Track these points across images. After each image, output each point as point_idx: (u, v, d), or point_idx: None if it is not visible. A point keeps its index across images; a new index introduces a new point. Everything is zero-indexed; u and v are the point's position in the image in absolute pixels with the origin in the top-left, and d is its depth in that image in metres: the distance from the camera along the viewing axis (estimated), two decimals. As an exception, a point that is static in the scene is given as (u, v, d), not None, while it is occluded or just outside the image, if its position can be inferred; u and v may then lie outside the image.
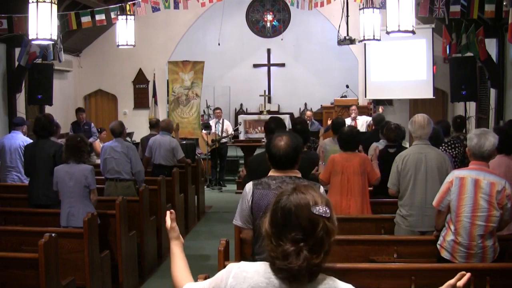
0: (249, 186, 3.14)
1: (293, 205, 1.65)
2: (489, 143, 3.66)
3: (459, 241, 3.62)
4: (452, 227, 3.67)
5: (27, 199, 5.77)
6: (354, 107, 10.40)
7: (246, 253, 3.89)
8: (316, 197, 1.67)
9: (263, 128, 11.86)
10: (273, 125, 4.82)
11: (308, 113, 10.92)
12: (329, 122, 10.11)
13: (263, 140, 11.37)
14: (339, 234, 3.66)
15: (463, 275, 1.90)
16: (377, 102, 12.36)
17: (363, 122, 10.19)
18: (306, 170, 4.70)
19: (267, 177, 3.12)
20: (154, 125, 8.28)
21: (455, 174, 3.72)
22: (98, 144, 9.68)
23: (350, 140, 5.13)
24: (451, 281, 1.91)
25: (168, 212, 2.18)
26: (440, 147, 5.79)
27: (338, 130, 6.57)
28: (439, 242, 3.78)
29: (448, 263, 3.65)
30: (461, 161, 5.80)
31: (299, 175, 3.10)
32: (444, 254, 3.71)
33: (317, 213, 1.63)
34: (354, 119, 10.10)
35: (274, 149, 3.05)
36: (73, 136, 5.13)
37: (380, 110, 10.82)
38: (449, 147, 6.01)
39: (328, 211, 1.65)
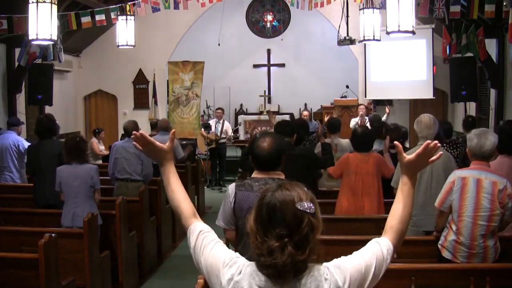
0: (232, 187, 3.13)
1: (278, 201, 1.65)
2: (490, 143, 3.67)
3: (461, 241, 3.62)
4: (453, 227, 3.67)
5: (32, 200, 5.74)
6: (362, 106, 10.34)
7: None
8: (301, 194, 1.68)
9: (266, 128, 11.81)
10: (280, 128, 4.82)
11: (305, 113, 10.88)
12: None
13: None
14: (339, 234, 3.64)
15: (428, 145, 1.93)
16: (377, 103, 12.36)
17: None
18: (306, 165, 4.69)
19: (250, 179, 3.11)
20: (155, 125, 8.28)
21: (457, 174, 3.73)
22: (96, 144, 9.67)
23: (365, 141, 5.10)
24: (419, 151, 1.94)
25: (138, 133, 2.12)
26: (442, 147, 5.79)
27: (334, 130, 6.56)
28: (440, 242, 3.78)
29: (449, 263, 3.66)
30: (462, 162, 5.80)
31: (283, 176, 3.07)
32: (446, 254, 3.71)
33: (301, 208, 1.63)
34: (363, 118, 10.03)
35: (257, 150, 3.04)
36: (72, 138, 5.08)
37: (387, 110, 10.77)
38: (451, 147, 6.01)
39: (312, 207, 1.65)
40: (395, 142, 2.14)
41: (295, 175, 3.26)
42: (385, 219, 2.01)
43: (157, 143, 2.11)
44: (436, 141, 1.97)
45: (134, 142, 2.12)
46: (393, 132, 5.68)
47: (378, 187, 5.00)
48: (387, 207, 5.01)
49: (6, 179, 6.93)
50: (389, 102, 12.23)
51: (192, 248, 1.87)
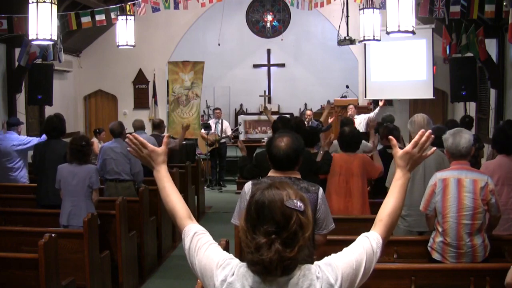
0: (248, 185, 3.15)
1: (266, 199, 1.66)
2: (465, 141, 3.68)
3: (448, 241, 3.64)
4: (440, 229, 3.69)
5: (33, 199, 5.77)
6: (351, 106, 10.40)
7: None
8: (290, 192, 1.69)
9: (266, 128, 11.73)
10: (280, 124, 4.80)
11: (308, 112, 10.90)
12: (330, 120, 10.08)
13: (263, 140, 11.38)
14: (338, 235, 3.64)
15: (423, 134, 1.99)
16: (377, 102, 12.36)
17: (361, 120, 10.17)
18: (303, 167, 4.69)
19: (266, 177, 3.12)
20: (157, 126, 8.30)
21: (438, 176, 3.74)
22: (97, 144, 9.67)
23: (351, 141, 5.09)
24: (415, 138, 2.00)
25: (131, 136, 2.12)
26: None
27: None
28: (429, 244, 3.80)
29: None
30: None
31: (299, 176, 3.09)
32: (435, 256, 3.72)
33: (290, 206, 1.64)
34: (353, 118, 10.03)
35: (274, 149, 3.04)
36: (78, 140, 5.09)
37: (381, 103, 10.81)
38: None
39: (301, 205, 1.66)
40: (390, 137, 2.16)
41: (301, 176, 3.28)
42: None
43: (150, 145, 2.12)
44: (430, 130, 2.02)
45: (129, 148, 2.13)
46: (395, 132, 5.68)
47: (363, 188, 4.97)
48: (376, 208, 5.02)
49: (10, 180, 6.93)
50: (389, 102, 12.25)
51: (186, 250, 1.87)
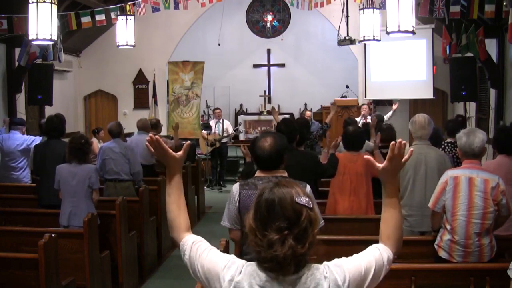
0: (236, 187, 3.17)
1: (276, 197, 1.69)
2: (478, 140, 3.69)
3: (456, 240, 3.63)
4: (448, 227, 3.68)
5: (34, 199, 5.77)
6: (365, 106, 10.35)
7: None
8: (299, 190, 1.72)
9: (266, 128, 11.70)
10: (283, 126, 4.80)
11: (308, 113, 10.89)
12: (327, 120, 10.03)
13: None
14: (339, 235, 3.65)
15: (394, 146, 1.95)
16: (377, 102, 12.37)
17: None
18: (308, 170, 4.68)
19: (253, 178, 3.16)
20: (154, 126, 8.27)
21: (449, 174, 3.74)
22: (96, 144, 9.67)
23: (355, 140, 5.09)
24: (389, 154, 1.96)
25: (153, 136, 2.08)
26: (442, 147, 5.77)
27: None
28: (436, 242, 3.79)
29: (446, 262, 3.66)
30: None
31: (285, 174, 3.12)
32: (442, 254, 3.72)
33: (300, 202, 1.67)
34: (365, 118, 9.98)
35: (258, 150, 3.09)
36: (77, 138, 5.09)
37: (395, 106, 10.76)
38: (453, 147, 5.99)
39: (310, 201, 1.69)
40: (392, 142, 2.14)
41: (299, 178, 3.28)
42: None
43: (170, 151, 2.08)
44: (400, 139, 1.98)
45: (147, 143, 2.11)
46: (384, 132, 5.66)
47: (367, 187, 4.96)
48: (378, 207, 5.00)
49: (13, 179, 6.94)
50: (389, 102, 12.25)
51: (187, 259, 1.89)
